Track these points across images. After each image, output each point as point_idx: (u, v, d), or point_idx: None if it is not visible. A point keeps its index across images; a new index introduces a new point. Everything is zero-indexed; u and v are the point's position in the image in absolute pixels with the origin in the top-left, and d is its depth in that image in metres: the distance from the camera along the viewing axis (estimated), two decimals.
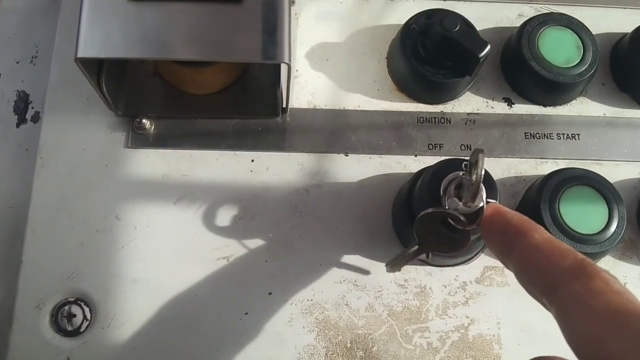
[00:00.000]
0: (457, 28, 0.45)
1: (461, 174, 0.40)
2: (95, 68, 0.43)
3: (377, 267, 0.45)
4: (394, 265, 0.42)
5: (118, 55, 0.39)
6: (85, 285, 0.44)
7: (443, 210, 0.38)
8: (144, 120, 0.47)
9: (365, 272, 0.45)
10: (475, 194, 0.37)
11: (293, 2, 0.49)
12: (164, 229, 0.45)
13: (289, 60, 0.40)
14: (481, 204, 0.39)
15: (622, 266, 0.47)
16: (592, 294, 0.26)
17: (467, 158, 0.38)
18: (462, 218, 0.37)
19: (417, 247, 0.40)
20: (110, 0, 0.40)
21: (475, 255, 0.46)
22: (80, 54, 0.39)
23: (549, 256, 0.30)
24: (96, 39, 0.40)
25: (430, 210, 0.38)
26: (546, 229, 0.43)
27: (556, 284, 0.28)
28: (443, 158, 0.47)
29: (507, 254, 0.33)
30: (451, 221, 0.38)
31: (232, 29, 0.40)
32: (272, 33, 0.40)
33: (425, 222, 0.38)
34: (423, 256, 0.41)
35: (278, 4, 0.41)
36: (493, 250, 0.35)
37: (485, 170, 0.41)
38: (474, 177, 0.37)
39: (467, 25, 0.48)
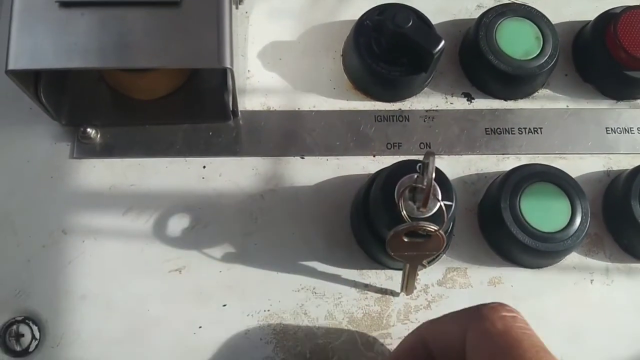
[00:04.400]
0: (410, 24, 0.43)
1: (415, 176, 0.38)
2: (32, 77, 0.42)
3: (336, 273, 0.44)
4: (405, 289, 0.42)
5: (49, 65, 0.38)
6: (33, 304, 0.42)
7: (406, 226, 0.37)
8: (88, 130, 0.45)
9: (325, 279, 0.44)
10: (427, 201, 0.36)
11: (241, 1, 0.47)
12: (113, 242, 0.44)
13: (231, 64, 0.38)
14: (438, 205, 0.38)
15: (588, 262, 0.45)
16: None
17: (422, 158, 0.37)
18: (427, 227, 0.36)
19: (408, 264, 0.40)
20: (41, 7, 0.38)
21: (437, 256, 0.45)
22: (11, 66, 0.37)
23: None
24: (27, 48, 0.38)
25: (392, 232, 0.37)
26: (507, 228, 0.42)
27: None
28: (402, 157, 0.46)
29: None
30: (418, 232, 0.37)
31: (169, 34, 0.38)
32: (211, 36, 0.38)
33: (395, 241, 0.38)
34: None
35: (218, 5, 0.39)
36: None
37: (440, 171, 0.40)
38: (425, 181, 0.36)
39: (421, 20, 0.46)
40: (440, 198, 0.38)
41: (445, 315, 0.36)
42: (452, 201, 0.39)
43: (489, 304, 0.33)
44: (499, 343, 0.31)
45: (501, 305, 0.33)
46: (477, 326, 0.32)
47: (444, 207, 0.37)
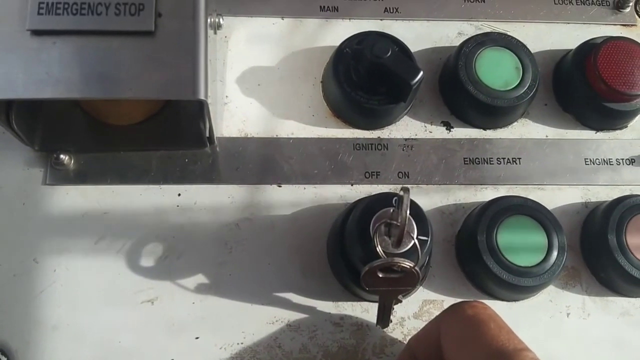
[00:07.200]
0: (389, 54, 0.43)
1: (391, 210, 0.38)
2: (4, 104, 0.41)
3: (312, 305, 0.44)
4: (381, 322, 0.41)
5: (20, 96, 0.37)
6: (3, 334, 0.42)
7: (380, 262, 0.36)
8: (61, 156, 0.44)
9: (300, 311, 0.43)
10: (400, 239, 0.36)
11: (220, 26, 0.46)
12: (85, 271, 0.43)
13: (205, 96, 0.38)
14: (412, 242, 0.38)
15: (565, 296, 0.45)
16: None
17: (398, 191, 0.37)
18: (402, 264, 0.36)
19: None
20: (12, 35, 0.38)
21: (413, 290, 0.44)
22: None
23: None
24: None
25: (367, 267, 0.37)
26: (483, 261, 0.42)
27: None
28: (380, 187, 0.45)
29: None
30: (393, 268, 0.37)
31: (143, 64, 0.37)
32: (186, 67, 0.38)
33: (369, 277, 0.37)
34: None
35: (193, 34, 0.38)
36: None
37: (417, 205, 0.39)
38: (399, 219, 0.36)
39: (400, 49, 0.46)
40: (415, 234, 0.38)
41: (427, 323, 0.38)
42: (427, 236, 0.39)
43: (463, 300, 0.36)
44: (468, 325, 0.34)
45: (475, 301, 0.36)
46: (450, 315, 0.36)
47: (417, 245, 0.37)
